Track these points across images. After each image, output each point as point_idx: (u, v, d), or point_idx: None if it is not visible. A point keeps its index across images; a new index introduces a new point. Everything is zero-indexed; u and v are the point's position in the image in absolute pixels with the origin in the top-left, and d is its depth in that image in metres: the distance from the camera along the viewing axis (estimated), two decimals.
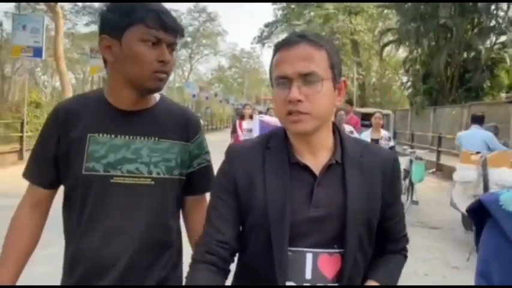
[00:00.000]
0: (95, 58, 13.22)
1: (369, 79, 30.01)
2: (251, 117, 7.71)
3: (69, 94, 15.40)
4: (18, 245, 1.15)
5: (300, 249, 0.93)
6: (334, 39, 29.03)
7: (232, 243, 0.98)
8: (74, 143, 1.11)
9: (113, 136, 1.12)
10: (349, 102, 8.37)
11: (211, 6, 40.65)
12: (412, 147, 8.67)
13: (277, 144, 0.99)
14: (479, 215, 0.89)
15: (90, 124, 1.11)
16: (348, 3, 25.66)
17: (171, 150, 1.15)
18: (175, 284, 1.20)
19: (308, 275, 0.93)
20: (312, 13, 27.82)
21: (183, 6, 49.46)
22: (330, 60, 0.94)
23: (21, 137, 10.24)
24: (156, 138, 1.14)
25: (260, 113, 10.45)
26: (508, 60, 15.40)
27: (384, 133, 6.16)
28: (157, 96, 1.19)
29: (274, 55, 0.96)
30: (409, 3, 16.15)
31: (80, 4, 21.70)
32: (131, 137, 1.12)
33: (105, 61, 1.12)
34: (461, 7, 14.87)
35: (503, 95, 10.36)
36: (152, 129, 1.14)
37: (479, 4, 14.83)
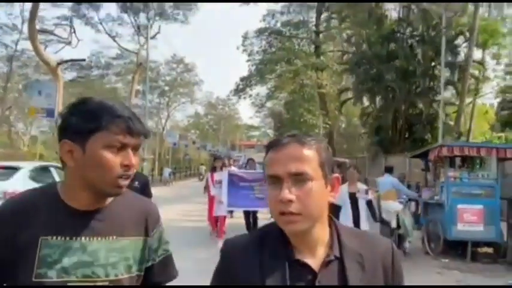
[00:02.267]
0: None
1: (336, 127, 33.21)
2: (222, 168, 8.43)
3: None
4: None
5: None
6: (303, 92, 32.51)
7: None
8: (22, 247, 1.03)
9: (67, 238, 1.06)
10: None
11: (188, 57, 43.33)
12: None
13: (273, 242, 0.99)
14: None
15: (42, 225, 1.05)
16: (315, 60, 29.08)
17: (130, 248, 1.13)
18: None
19: None
20: (284, 68, 31.03)
21: (162, 58, 52.08)
22: (319, 158, 0.96)
23: None
24: (114, 237, 1.11)
25: (235, 161, 12.28)
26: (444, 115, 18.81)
27: (360, 186, 6.08)
28: None
29: (266, 153, 1.00)
30: (361, 68, 19.61)
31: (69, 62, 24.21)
32: (88, 238, 1.08)
33: (63, 163, 1.09)
34: (403, 72, 18.29)
35: (407, 153, 13.50)
36: (110, 227, 1.11)
37: (418, 70, 18.32)
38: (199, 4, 30.82)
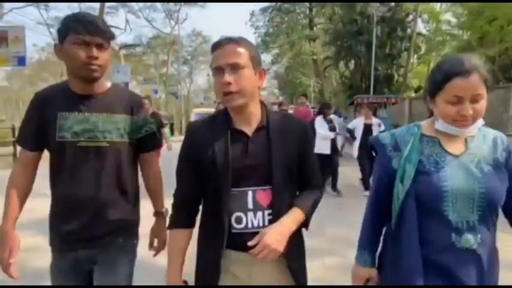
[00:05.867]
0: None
1: (327, 86, 37.08)
2: None
3: None
4: (15, 197, 1.41)
5: (242, 188, 1.17)
6: (300, 59, 36.02)
7: (194, 196, 1.24)
8: (49, 120, 1.39)
9: (76, 113, 1.39)
10: (305, 95, 9.03)
11: (205, 31, 45.24)
12: None
13: (220, 118, 1.23)
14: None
15: (59, 106, 1.39)
16: (309, 33, 32.55)
17: (120, 122, 1.44)
18: (134, 221, 1.52)
19: (250, 205, 1.17)
20: (284, 39, 34.31)
21: (184, 32, 54.00)
22: (249, 53, 1.16)
23: (14, 142, 9.14)
24: (108, 114, 1.42)
25: None
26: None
27: (374, 120, 6.47)
28: (108, 84, 1.48)
29: (212, 53, 1.18)
30: (338, 41, 23.63)
31: None
32: (89, 113, 1.40)
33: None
34: (368, 45, 21.96)
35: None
36: (105, 107, 1.42)
37: (379, 42, 22.27)
38: None
